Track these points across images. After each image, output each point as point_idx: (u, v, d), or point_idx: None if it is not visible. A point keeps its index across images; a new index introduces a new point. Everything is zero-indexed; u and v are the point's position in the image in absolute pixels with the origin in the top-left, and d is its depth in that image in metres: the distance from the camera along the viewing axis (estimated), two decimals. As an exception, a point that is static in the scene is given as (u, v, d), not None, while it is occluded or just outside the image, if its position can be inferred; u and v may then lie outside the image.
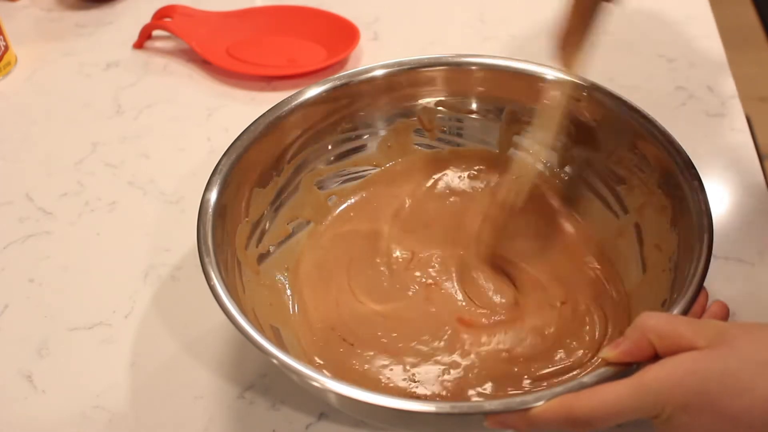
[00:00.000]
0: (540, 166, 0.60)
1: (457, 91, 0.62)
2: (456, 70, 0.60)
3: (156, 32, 0.85)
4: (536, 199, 0.60)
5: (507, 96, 0.61)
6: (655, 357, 0.39)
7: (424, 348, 0.53)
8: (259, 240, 0.56)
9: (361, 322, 0.54)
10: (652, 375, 0.37)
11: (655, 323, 0.39)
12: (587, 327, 0.53)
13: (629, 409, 0.38)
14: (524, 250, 0.58)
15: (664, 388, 0.37)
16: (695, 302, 0.44)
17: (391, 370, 0.52)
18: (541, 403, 0.39)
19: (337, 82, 0.59)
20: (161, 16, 0.84)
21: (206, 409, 0.53)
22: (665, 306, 0.48)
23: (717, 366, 0.36)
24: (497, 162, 0.63)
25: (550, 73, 0.58)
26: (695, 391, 0.36)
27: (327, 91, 0.58)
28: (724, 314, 0.45)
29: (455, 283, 0.56)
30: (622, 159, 0.57)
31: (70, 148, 0.73)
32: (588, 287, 0.55)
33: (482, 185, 0.63)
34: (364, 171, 0.63)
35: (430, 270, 0.58)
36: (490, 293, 0.55)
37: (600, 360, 0.43)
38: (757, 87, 1.68)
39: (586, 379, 0.40)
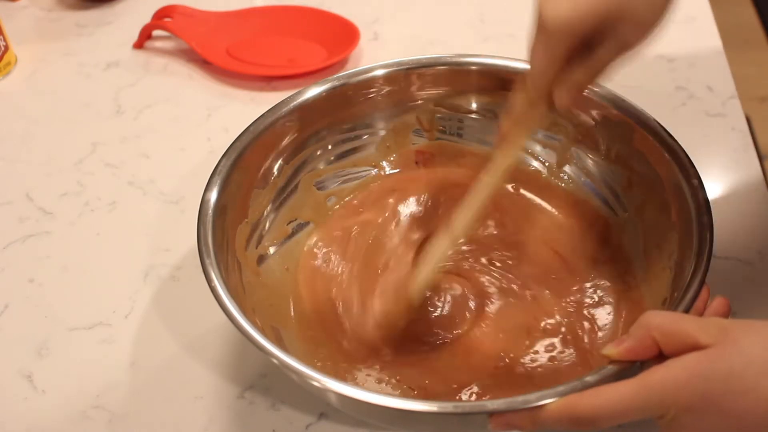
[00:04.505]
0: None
1: (457, 91, 0.62)
2: (456, 70, 0.60)
3: (156, 32, 0.85)
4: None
5: (506, 96, 0.61)
6: (659, 355, 0.39)
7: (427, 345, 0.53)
8: (259, 241, 0.56)
9: (362, 322, 0.54)
10: (657, 377, 0.37)
11: (660, 322, 0.39)
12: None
13: (634, 409, 0.38)
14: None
15: (669, 389, 0.37)
16: (697, 299, 0.44)
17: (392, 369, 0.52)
18: (544, 402, 0.39)
19: (337, 82, 0.59)
20: (161, 16, 0.84)
21: (206, 409, 0.52)
22: (666, 304, 0.48)
23: (721, 366, 0.36)
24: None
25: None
26: (700, 393, 0.36)
27: (327, 91, 0.58)
28: (726, 311, 0.45)
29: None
30: (622, 158, 0.57)
31: (70, 148, 0.73)
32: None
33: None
34: (363, 171, 0.63)
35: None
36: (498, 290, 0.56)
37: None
38: (757, 87, 1.68)
39: (589, 378, 0.40)
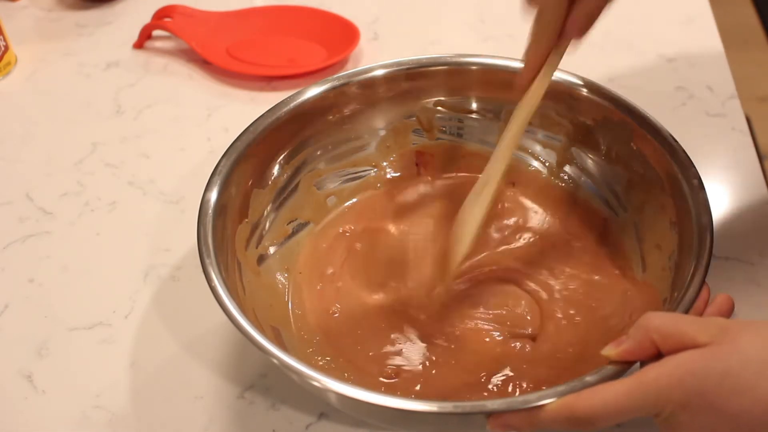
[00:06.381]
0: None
1: (457, 91, 0.62)
2: (455, 70, 0.60)
3: (156, 32, 0.85)
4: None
5: (506, 96, 0.61)
6: (658, 356, 0.39)
7: (426, 347, 0.53)
8: (259, 241, 0.56)
9: (361, 322, 0.54)
10: (652, 374, 0.37)
11: (660, 323, 0.39)
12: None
13: (630, 408, 0.38)
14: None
15: (665, 387, 0.37)
16: (697, 299, 0.44)
17: (391, 369, 0.52)
18: (543, 402, 0.39)
19: (337, 82, 0.59)
20: (161, 16, 0.84)
21: (206, 409, 0.53)
22: (665, 304, 0.48)
23: (718, 365, 0.36)
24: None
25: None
26: (695, 391, 0.36)
27: (327, 91, 0.58)
28: (729, 307, 0.45)
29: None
30: (622, 158, 0.57)
31: (70, 148, 0.73)
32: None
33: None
34: (363, 171, 0.63)
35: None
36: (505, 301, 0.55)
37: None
38: (757, 87, 1.68)
39: (588, 378, 0.40)
